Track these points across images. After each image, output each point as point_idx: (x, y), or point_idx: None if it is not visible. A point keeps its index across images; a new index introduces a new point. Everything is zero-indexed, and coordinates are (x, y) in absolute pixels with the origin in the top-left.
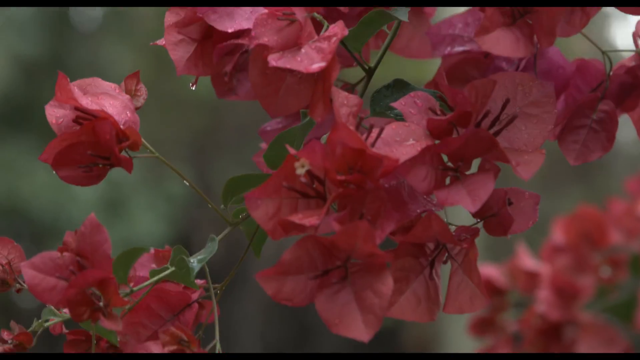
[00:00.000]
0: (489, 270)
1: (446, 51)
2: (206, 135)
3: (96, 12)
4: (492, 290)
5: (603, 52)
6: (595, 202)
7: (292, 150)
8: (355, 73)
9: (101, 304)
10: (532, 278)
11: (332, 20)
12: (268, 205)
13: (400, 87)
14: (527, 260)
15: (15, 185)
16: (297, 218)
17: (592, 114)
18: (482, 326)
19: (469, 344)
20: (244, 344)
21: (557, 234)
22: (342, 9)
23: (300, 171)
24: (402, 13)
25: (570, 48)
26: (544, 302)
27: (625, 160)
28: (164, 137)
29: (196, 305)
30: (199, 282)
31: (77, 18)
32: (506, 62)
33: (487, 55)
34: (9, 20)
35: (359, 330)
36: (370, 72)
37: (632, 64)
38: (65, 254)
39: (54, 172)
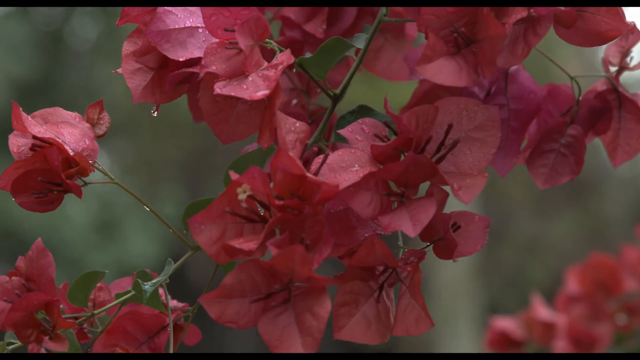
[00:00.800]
0: (504, 322)
1: (422, 76)
2: (199, 157)
3: (90, 34)
4: (509, 342)
5: (571, 78)
6: (589, 225)
7: (234, 176)
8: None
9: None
10: (548, 328)
11: (309, 45)
12: (212, 230)
13: (364, 112)
14: (543, 311)
15: (7, 206)
16: (237, 243)
17: (560, 138)
18: None
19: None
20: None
21: (572, 284)
22: (319, 34)
23: (242, 196)
24: (359, 41)
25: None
26: (561, 352)
27: (618, 182)
28: (157, 158)
29: (168, 328)
30: (177, 304)
31: (71, 39)
32: (478, 88)
33: None
34: (3, 40)
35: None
36: (335, 99)
37: (603, 88)
38: (14, 278)
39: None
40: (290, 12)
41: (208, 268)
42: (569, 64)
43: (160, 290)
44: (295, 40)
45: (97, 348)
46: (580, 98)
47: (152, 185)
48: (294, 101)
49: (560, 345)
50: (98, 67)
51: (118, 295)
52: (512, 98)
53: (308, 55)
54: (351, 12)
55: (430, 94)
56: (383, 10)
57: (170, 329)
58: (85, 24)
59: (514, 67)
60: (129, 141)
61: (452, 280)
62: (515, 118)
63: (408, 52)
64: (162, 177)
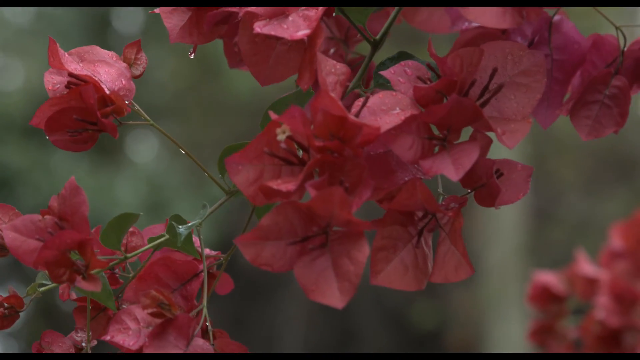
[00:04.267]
0: (547, 277)
1: (464, 26)
2: (248, 138)
3: (138, 16)
4: (551, 297)
5: (617, 28)
6: (639, 205)
7: (273, 116)
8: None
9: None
10: (591, 284)
11: None
12: (249, 171)
13: (404, 58)
14: (586, 267)
15: (58, 189)
16: (275, 184)
17: (604, 89)
18: (542, 333)
19: (513, 346)
20: (287, 347)
21: (615, 240)
22: None
23: (281, 137)
24: None
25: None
26: (603, 308)
27: None
28: (206, 140)
29: (202, 275)
30: (210, 252)
31: (119, 22)
32: (521, 37)
33: (504, 31)
34: (50, 23)
35: (333, 297)
36: (375, 45)
37: None
38: (47, 216)
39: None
40: None
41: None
42: (613, 14)
43: (194, 238)
44: None
45: (128, 294)
46: (626, 49)
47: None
48: (332, 50)
49: (602, 301)
50: (146, 50)
51: (151, 240)
52: (556, 48)
53: None
54: None
55: (472, 43)
56: None
57: (205, 274)
58: (132, 8)
59: (557, 17)
60: (177, 123)
61: (502, 262)
62: (558, 69)
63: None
64: (210, 159)
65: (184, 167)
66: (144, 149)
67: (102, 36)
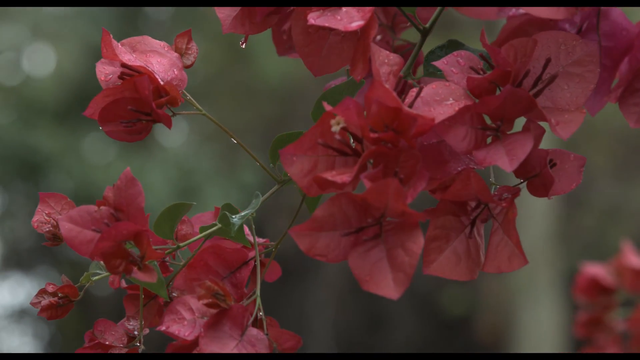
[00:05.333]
0: (595, 269)
1: (511, 12)
2: (278, 123)
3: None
4: (599, 289)
5: None
6: None
7: (327, 107)
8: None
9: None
10: (639, 276)
11: None
12: (303, 162)
13: (454, 47)
14: (634, 259)
15: (91, 176)
16: (330, 175)
17: None
18: (590, 326)
19: (543, 332)
20: (316, 332)
21: None
22: None
23: (335, 128)
24: None
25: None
26: None
27: None
28: (237, 125)
29: (252, 262)
30: (260, 240)
31: (150, 7)
32: (569, 24)
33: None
34: (81, 8)
35: (388, 288)
36: (425, 33)
37: None
38: (103, 207)
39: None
40: None
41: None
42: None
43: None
44: None
45: (179, 282)
46: None
47: (232, 153)
48: (379, 37)
49: None
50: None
51: (203, 229)
52: (604, 35)
53: None
54: None
55: (519, 30)
56: None
57: (257, 262)
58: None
59: None
60: (209, 108)
61: (532, 247)
62: (606, 56)
63: None
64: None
65: (213, 152)
66: (174, 133)
67: (134, 21)
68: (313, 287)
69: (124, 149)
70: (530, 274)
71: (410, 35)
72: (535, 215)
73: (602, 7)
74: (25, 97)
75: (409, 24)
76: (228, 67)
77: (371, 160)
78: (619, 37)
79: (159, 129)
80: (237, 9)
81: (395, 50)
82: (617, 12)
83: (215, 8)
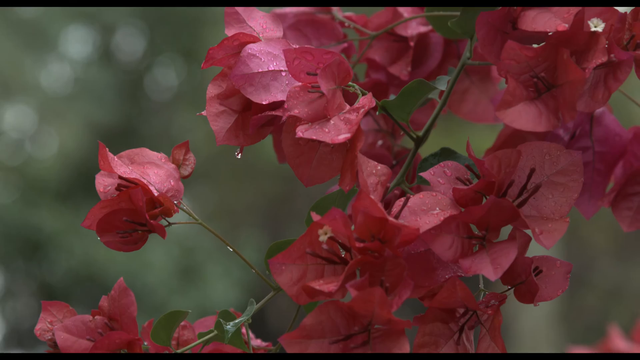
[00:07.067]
0: (582, 350)
1: None
2: (280, 202)
3: (171, 82)
4: None
5: None
6: None
7: (315, 217)
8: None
9: None
10: None
11: (394, 87)
12: (292, 271)
13: (446, 155)
14: (621, 343)
15: (91, 252)
16: (317, 284)
17: None
18: None
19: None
20: None
21: None
22: (403, 76)
23: (323, 238)
24: (441, 83)
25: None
26: None
27: None
28: (239, 204)
29: None
30: (261, 344)
31: (152, 87)
32: (563, 130)
33: None
34: (84, 88)
35: None
36: (418, 141)
37: None
38: (97, 317)
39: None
40: (376, 54)
41: (288, 313)
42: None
43: (243, 330)
44: (381, 82)
45: None
46: None
47: (234, 231)
48: (379, 142)
49: None
50: (178, 114)
51: (201, 335)
52: (597, 140)
53: (392, 97)
54: (436, 55)
55: (516, 135)
56: (467, 53)
57: None
58: (166, 73)
59: (599, 110)
60: (210, 187)
61: (534, 327)
62: (600, 160)
63: (494, 94)
64: (243, 223)
65: (216, 231)
66: (176, 213)
67: (135, 101)
68: None
69: None
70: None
71: (410, 141)
72: None
73: (594, 113)
74: (28, 176)
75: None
76: (229, 146)
77: (359, 269)
78: (612, 142)
79: None
80: (232, 121)
81: (395, 155)
82: (610, 118)
83: (210, 120)
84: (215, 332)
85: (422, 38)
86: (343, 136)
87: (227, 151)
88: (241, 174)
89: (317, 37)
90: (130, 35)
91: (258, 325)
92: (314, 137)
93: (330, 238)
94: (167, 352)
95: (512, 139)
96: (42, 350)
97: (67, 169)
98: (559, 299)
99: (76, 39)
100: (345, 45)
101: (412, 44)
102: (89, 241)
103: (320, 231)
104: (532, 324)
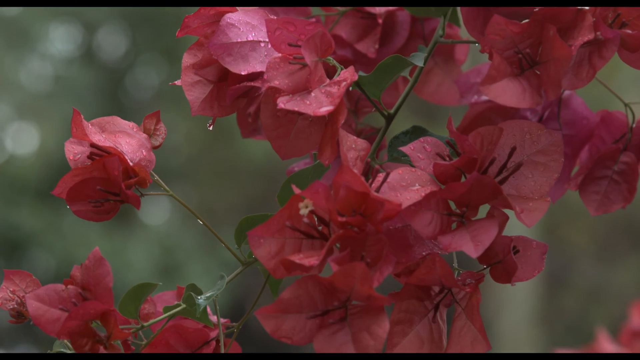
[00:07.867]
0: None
1: (473, 99)
2: (261, 202)
3: (152, 81)
4: None
5: (626, 105)
6: None
7: (296, 190)
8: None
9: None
10: None
11: (360, 64)
12: (271, 244)
13: (418, 133)
14: (608, 346)
15: (73, 254)
16: (297, 258)
17: (613, 165)
18: None
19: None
20: None
21: (635, 319)
22: (371, 53)
23: (304, 211)
24: (418, 59)
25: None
26: None
27: None
28: (219, 204)
29: (214, 342)
30: (222, 320)
31: (133, 86)
32: (530, 112)
33: None
34: (65, 87)
35: None
36: (389, 118)
37: None
38: (70, 286)
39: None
40: (342, 30)
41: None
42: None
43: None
44: (347, 59)
45: None
46: (634, 125)
47: (214, 230)
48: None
49: None
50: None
51: (167, 309)
52: (565, 123)
53: (360, 74)
54: (403, 33)
55: (482, 117)
56: (439, 31)
57: (222, 342)
58: (147, 72)
59: (567, 93)
60: (191, 187)
61: (514, 327)
62: (567, 144)
63: (457, 76)
64: (223, 223)
65: (196, 230)
66: (156, 211)
67: (116, 100)
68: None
69: (106, 227)
70: None
71: (373, 118)
72: (517, 295)
73: (563, 96)
74: (8, 175)
75: (371, 108)
76: (211, 146)
77: (338, 244)
78: (579, 125)
79: (142, 206)
80: (207, 91)
81: (357, 134)
82: (578, 102)
83: (185, 89)
84: (183, 305)
85: (389, 16)
86: (325, 109)
87: (207, 151)
88: (222, 173)
89: (285, 11)
90: (112, 34)
91: (242, 328)
92: (296, 109)
93: (310, 212)
94: (134, 325)
95: (478, 120)
96: (22, 349)
97: (47, 167)
98: (538, 300)
99: (57, 37)
100: (313, 20)
101: (380, 21)
102: (69, 240)
103: (301, 204)
104: (512, 324)
